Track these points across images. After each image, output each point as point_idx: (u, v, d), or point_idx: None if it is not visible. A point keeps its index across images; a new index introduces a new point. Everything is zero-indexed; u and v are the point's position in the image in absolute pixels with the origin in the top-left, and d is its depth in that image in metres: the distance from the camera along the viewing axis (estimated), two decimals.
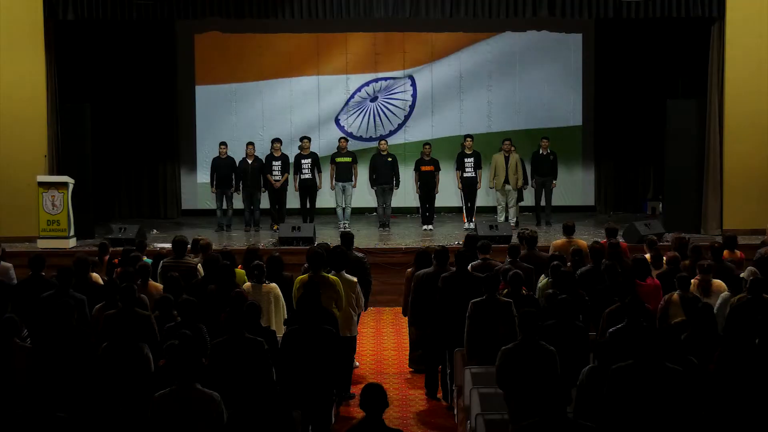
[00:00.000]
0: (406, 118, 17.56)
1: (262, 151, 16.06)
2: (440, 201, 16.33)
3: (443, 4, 14.42)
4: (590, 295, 8.69)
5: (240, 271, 9.56)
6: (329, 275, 8.88)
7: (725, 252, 10.48)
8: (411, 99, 17.53)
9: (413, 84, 17.50)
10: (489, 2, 14.41)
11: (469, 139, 15.72)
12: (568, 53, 17.58)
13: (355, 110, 17.52)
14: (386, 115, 17.56)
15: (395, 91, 17.51)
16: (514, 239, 13.00)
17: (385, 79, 17.49)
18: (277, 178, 15.51)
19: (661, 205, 16.81)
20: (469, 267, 9.43)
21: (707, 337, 7.18)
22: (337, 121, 17.51)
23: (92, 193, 15.11)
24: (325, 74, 17.48)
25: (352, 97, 17.49)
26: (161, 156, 17.37)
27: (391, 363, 10.73)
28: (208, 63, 17.47)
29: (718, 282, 9.20)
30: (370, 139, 17.31)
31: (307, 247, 10.87)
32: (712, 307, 7.78)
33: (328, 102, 17.54)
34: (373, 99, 17.51)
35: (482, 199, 16.32)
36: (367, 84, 17.50)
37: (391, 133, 17.44)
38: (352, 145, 16.48)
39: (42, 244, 13.77)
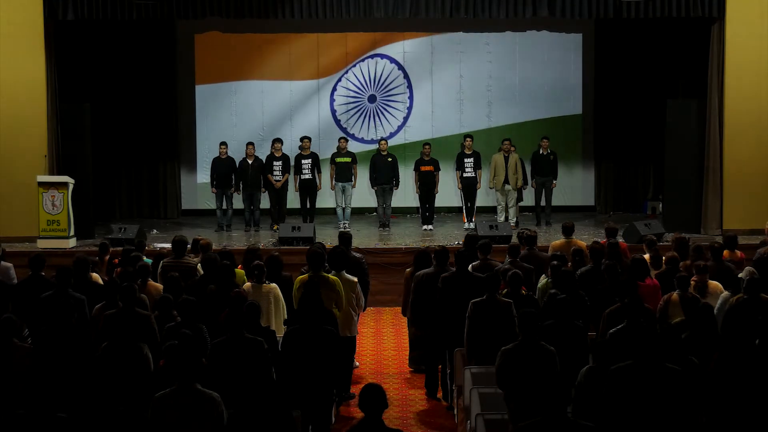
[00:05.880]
0: (405, 119, 17.54)
1: (262, 151, 16.06)
2: (440, 201, 16.32)
3: (443, 4, 14.42)
4: (590, 295, 8.69)
5: (240, 271, 9.57)
6: (329, 275, 8.88)
7: (725, 252, 10.47)
8: (408, 102, 17.51)
9: (410, 87, 17.51)
10: (489, 2, 14.41)
11: (468, 140, 15.72)
12: (568, 53, 17.58)
13: (354, 110, 17.52)
14: (386, 117, 17.55)
15: (394, 92, 17.50)
16: (514, 239, 13.01)
17: (385, 57, 17.43)
18: (278, 178, 15.50)
19: (661, 205, 16.81)
20: (469, 267, 9.44)
21: (707, 337, 7.18)
22: (336, 120, 17.50)
23: (92, 193, 15.11)
24: (325, 74, 17.48)
25: (352, 65, 17.44)
26: (161, 156, 17.37)
27: (391, 363, 10.73)
28: (208, 63, 17.46)
29: (714, 283, 9.19)
30: (372, 141, 17.26)
31: (307, 247, 10.87)
32: (712, 307, 7.78)
33: (328, 102, 17.53)
34: (372, 99, 17.50)
35: (482, 199, 16.31)
36: (369, 57, 17.46)
37: (392, 135, 17.41)
38: (352, 146, 16.47)
39: (42, 244, 13.76)
